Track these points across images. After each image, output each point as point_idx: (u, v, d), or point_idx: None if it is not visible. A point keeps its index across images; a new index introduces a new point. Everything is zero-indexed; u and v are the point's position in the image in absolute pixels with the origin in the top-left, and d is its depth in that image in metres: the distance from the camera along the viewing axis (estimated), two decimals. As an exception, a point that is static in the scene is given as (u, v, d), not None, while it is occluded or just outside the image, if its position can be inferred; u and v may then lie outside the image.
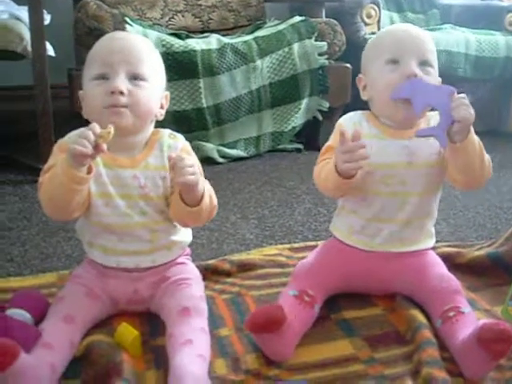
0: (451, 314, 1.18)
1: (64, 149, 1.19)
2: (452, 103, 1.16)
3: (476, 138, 1.20)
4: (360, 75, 1.36)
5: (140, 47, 1.22)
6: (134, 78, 1.18)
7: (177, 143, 1.25)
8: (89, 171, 1.12)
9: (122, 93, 1.15)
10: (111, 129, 1.09)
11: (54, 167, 1.14)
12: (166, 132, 1.27)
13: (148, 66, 1.20)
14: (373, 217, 1.31)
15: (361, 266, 1.31)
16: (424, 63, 1.26)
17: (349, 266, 1.31)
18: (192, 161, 1.14)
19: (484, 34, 3.23)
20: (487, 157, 1.23)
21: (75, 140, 1.08)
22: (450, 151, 1.21)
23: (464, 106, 1.16)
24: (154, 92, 1.22)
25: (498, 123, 3.36)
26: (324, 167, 1.29)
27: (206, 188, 1.19)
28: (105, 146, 1.08)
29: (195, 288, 1.26)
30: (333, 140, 1.32)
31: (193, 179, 1.12)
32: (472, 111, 1.16)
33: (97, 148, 1.07)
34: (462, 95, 1.18)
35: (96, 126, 1.08)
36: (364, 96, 1.34)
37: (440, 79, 1.30)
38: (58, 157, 1.18)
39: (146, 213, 1.21)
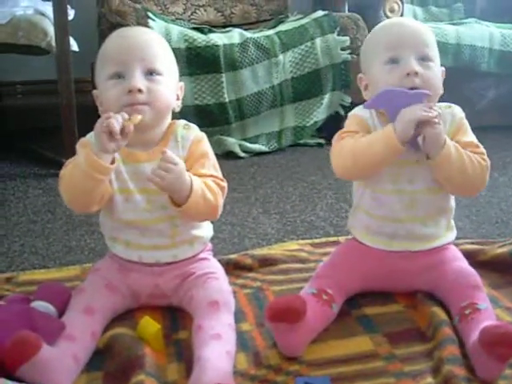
0: (467, 311, 1.17)
1: (85, 145, 1.21)
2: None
3: (455, 153, 1.19)
4: (360, 75, 1.34)
5: (152, 42, 1.23)
6: (150, 73, 1.19)
7: (189, 134, 1.26)
8: (112, 162, 1.14)
9: (140, 90, 1.16)
10: (139, 117, 1.13)
11: (76, 158, 1.17)
12: (181, 123, 1.27)
13: (162, 60, 1.22)
14: (386, 216, 1.30)
15: (381, 265, 1.31)
16: (424, 58, 1.24)
17: (369, 266, 1.31)
18: (172, 167, 1.13)
19: (508, 29, 3.19)
20: (472, 163, 1.21)
21: (102, 119, 1.11)
22: (429, 165, 1.23)
23: (431, 123, 1.16)
24: (170, 85, 1.23)
25: (523, 118, 3.32)
26: (361, 138, 1.24)
27: (199, 189, 1.17)
28: (131, 127, 1.11)
29: (224, 282, 1.27)
30: (352, 127, 1.30)
31: (157, 181, 1.12)
32: (440, 127, 1.17)
33: (123, 130, 1.10)
34: (435, 109, 1.18)
35: (124, 114, 1.12)
36: (366, 96, 1.32)
37: (443, 69, 1.28)
38: (79, 153, 1.20)
39: (166, 207, 1.21)
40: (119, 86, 1.17)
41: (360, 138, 1.24)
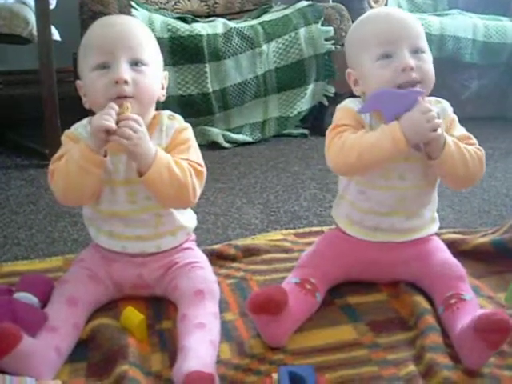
0: (452, 301, 1.18)
1: (73, 137, 1.21)
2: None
3: (456, 149, 1.19)
4: (349, 70, 1.30)
5: (137, 31, 1.22)
6: (136, 63, 1.17)
7: (174, 123, 1.25)
8: (105, 154, 1.14)
9: (126, 82, 1.14)
10: (129, 105, 1.13)
11: (69, 153, 1.16)
12: (166, 113, 1.27)
13: (148, 50, 1.20)
14: (371, 210, 1.30)
15: (364, 255, 1.31)
16: (417, 51, 1.21)
17: (352, 256, 1.31)
18: (138, 127, 1.11)
19: (492, 20, 3.21)
20: (472, 156, 1.21)
21: (98, 118, 1.11)
22: (432, 165, 1.22)
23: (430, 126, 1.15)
24: (156, 75, 1.22)
25: (506, 109, 3.34)
26: (366, 135, 1.20)
27: (163, 158, 1.15)
28: (129, 115, 1.12)
29: (208, 271, 1.27)
30: (348, 120, 1.25)
31: (123, 141, 1.10)
32: (442, 129, 1.16)
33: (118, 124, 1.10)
34: (429, 107, 1.16)
35: (114, 105, 1.12)
36: (357, 92, 1.29)
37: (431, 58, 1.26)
38: (68, 145, 1.19)
39: (151, 197, 1.21)
40: (105, 77, 1.15)
41: (364, 135, 1.20)
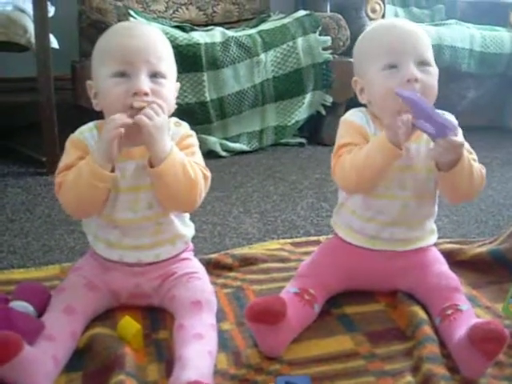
0: (449, 312, 1.18)
1: (78, 143, 1.20)
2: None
3: (465, 162, 1.19)
4: (355, 78, 1.32)
5: (158, 43, 1.21)
6: (155, 75, 1.17)
7: (179, 130, 1.25)
8: (112, 170, 1.14)
9: (146, 94, 1.14)
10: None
11: (77, 170, 1.15)
12: (172, 120, 1.26)
13: (166, 62, 1.20)
14: (372, 219, 1.30)
15: (363, 264, 1.31)
16: (423, 63, 1.22)
17: (351, 265, 1.31)
18: (160, 112, 1.13)
19: (489, 30, 3.23)
20: (477, 173, 1.22)
21: (112, 118, 1.12)
22: (438, 175, 1.23)
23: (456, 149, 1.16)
24: (172, 87, 1.22)
25: (502, 119, 3.36)
26: (359, 151, 1.21)
27: (178, 155, 1.15)
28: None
29: (206, 282, 1.27)
30: (350, 137, 1.26)
31: (144, 121, 1.11)
32: (462, 148, 1.17)
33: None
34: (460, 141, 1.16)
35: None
36: (362, 100, 1.31)
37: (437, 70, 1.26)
38: (72, 155, 1.19)
39: (153, 205, 1.21)
40: (123, 85, 1.14)
41: (356, 152, 1.22)
